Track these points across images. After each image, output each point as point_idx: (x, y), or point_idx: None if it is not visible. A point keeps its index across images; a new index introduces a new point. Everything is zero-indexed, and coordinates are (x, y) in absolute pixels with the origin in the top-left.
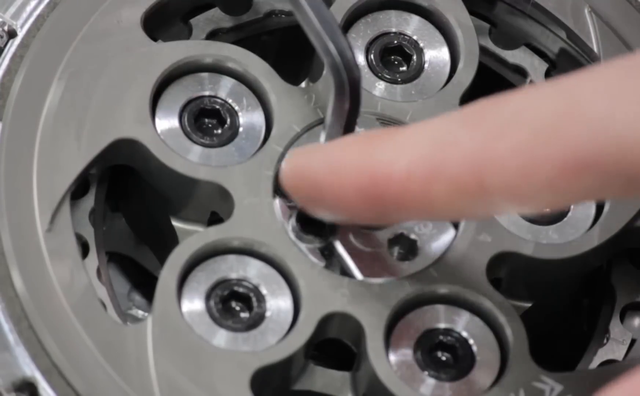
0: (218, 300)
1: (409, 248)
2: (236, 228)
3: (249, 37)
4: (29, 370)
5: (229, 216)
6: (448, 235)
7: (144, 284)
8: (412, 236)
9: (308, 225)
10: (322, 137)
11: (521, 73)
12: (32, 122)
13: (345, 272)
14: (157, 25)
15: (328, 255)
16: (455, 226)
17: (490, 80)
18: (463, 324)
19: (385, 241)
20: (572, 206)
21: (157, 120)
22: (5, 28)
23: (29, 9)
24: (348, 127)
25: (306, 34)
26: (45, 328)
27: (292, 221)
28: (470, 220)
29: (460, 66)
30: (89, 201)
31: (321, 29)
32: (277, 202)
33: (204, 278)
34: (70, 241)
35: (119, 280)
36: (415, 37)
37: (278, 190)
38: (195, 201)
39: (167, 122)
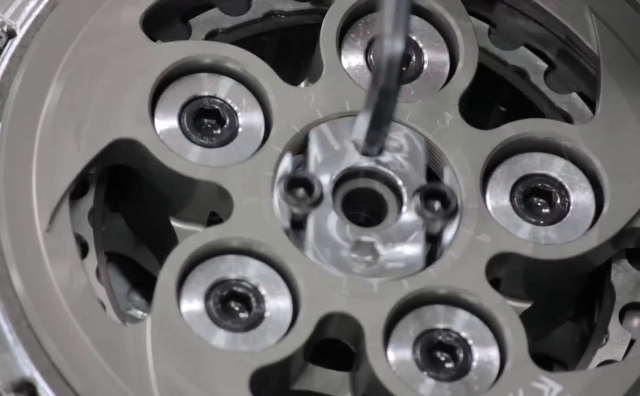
0: (217, 300)
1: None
2: (235, 228)
3: (248, 37)
4: (28, 370)
5: (228, 216)
6: (448, 235)
7: (144, 284)
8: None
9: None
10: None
11: (521, 73)
12: (31, 123)
13: None
14: (156, 25)
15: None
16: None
17: (490, 80)
18: (462, 324)
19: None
20: (571, 207)
21: (156, 120)
22: (5, 28)
23: (28, 9)
24: (378, 112)
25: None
26: (44, 328)
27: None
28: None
29: (460, 66)
30: (88, 201)
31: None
32: (276, 202)
33: (203, 278)
34: (69, 241)
35: (118, 280)
36: (414, 38)
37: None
38: (195, 201)
39: (167, 122)
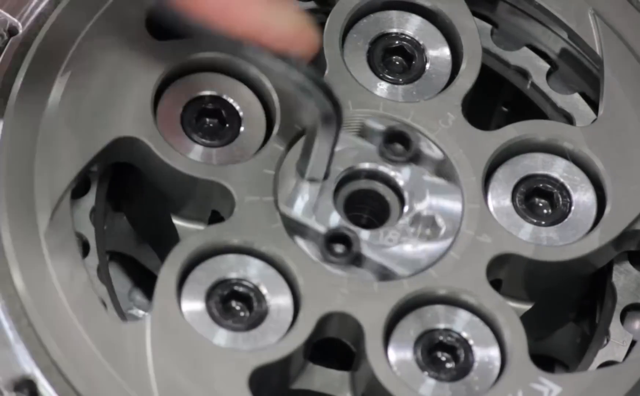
0: (218, 300)
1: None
2: (237, 226)
3: None
4: (29, 367)
5: (229, 214)
6: (448, 236)
7: (145, 283)
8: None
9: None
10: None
11: (523, 74)
12: (33, 120)
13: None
14: (159, 24)
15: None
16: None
17: (492, 81)
18: (463, 325)
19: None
20: (572, 208)
21: (158, 118)
22: (7, 26)
23: (30, 7)
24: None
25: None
26: (45, 326)
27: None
28: None
29: (463, 66)
30: (89, 200)
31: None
32: (279, 201)
33: (204, 277)
34: (70, 239)
35: (120, 279)
36: (417, 38)
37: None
38: (196, 200)
39: (169, 121)
